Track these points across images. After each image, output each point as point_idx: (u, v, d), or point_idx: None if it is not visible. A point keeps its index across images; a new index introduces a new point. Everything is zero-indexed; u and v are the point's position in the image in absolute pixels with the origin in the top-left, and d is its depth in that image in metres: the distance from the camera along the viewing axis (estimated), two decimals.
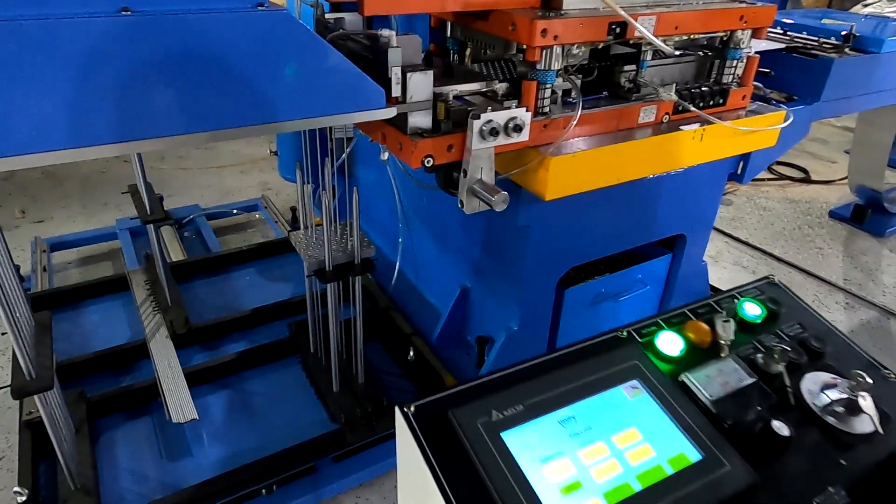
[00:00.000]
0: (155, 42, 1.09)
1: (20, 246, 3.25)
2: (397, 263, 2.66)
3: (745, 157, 2.24)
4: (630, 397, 0.93)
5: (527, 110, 1.52)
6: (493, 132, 1.47)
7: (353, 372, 2.03)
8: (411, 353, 2.20)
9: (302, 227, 1.92)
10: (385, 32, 1.39)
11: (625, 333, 1.11)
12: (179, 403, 1.89)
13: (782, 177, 4.58)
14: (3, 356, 2.52)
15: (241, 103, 1.18)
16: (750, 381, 0.99)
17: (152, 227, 2.29)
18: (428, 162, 1.50)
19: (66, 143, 1.07)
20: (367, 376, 2.02)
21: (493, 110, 1.47)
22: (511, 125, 1.50)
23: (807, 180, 4.61)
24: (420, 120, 1.50)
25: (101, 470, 1.76)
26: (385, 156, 2.26)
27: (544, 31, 1.51)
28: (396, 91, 1.42)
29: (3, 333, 2.67)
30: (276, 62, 1.17)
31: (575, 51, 1.64)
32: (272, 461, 1.78)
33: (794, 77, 2.39)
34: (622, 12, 1.50)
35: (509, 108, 1.51)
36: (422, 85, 1.44)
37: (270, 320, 2.40)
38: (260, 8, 1.15)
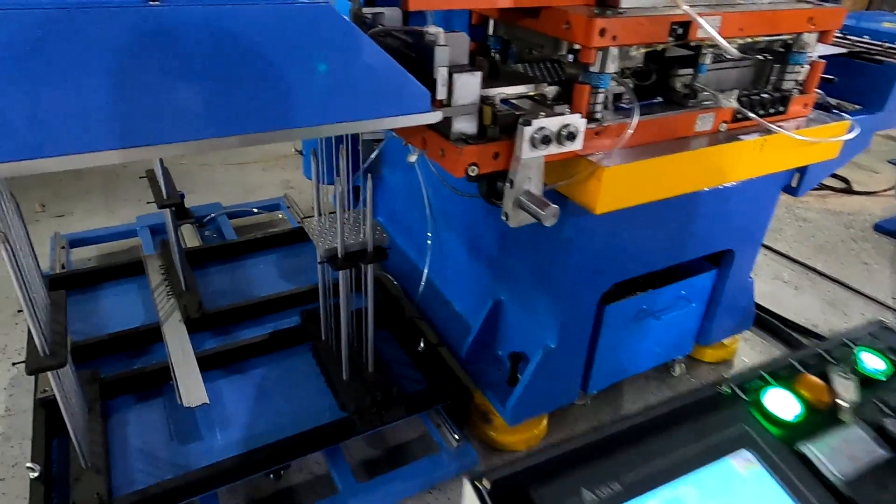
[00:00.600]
0: (184, 36, 0.98)
1: (39, 241, 3.18)
2: (425, 271, 2.55)
3: (802, 170, 2.10)
4: (743, 472, 0.79)
5: (581, 117, 1.39)
6: (546, 140, 1.35)
7: (363, 361, 2.02)
8: (422, 344, 2.17)
9: (316, 214, 1.90)
10: (432, 29, 1.28)
11: (727, 389, 0.96)
12: (191, 387, 1.89)
13: (823, 187, 4.39)
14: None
15: (277, 105, 1.07)
16: (883, 454, 0.84)
17: (168, 211, 2.29)
18: (472, 171, 1.38)
19: (82, 146, 0.97)
20: (377, 366, 2.00)
21: (545, 116, 1.35)
22: (564, 133, 1.37)
23: (848, 191, 4.41)
24: (465, 125, 1.38)
25: (113, 449, 1.78)
26: (413, 158, 2.15)
27: (603, 31, 1.38)
28: (442, 93, 1.30)
29: (19, 311, 2.71)
30: (317, 60, 1.07)
31: (633, 53, 1.51)
32: (281, 446, 1.78)
33: (855, 84, 2.23)
34: (691, 12, 1.37)
35: (561, 113, 1.39)
36: (469, 87, 1.33)
37: (283, 308, 2.40)
38: (301, 1, 1.04)
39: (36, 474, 1.58)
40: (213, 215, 3.34)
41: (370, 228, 1.75)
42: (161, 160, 2.25)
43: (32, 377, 1.91)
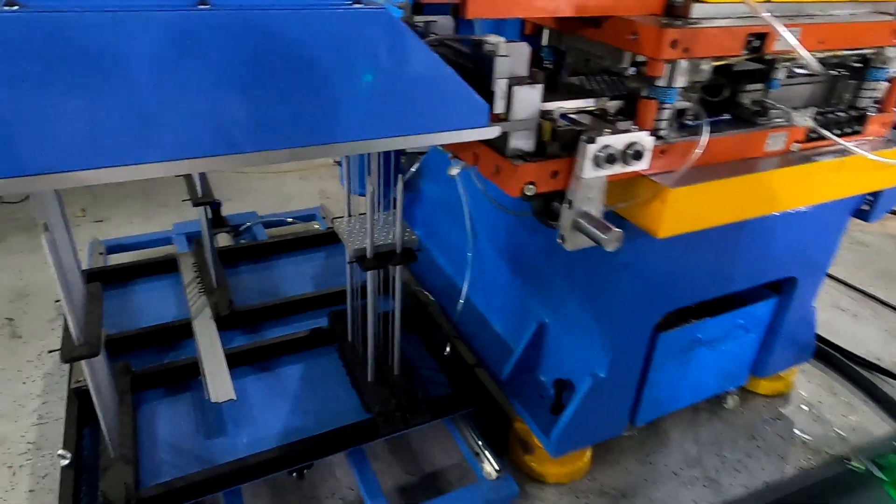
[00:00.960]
0: (234, 41, 0.92)
1: (79, 246, 3.18)
2: (464, 289, 2.46)
3: (876, 193, 1.95)
4: None
5: (649, 134, 1.29)
6: (610, 159, 1.25)
7: (388, 364, 2.00)
8: (447, 349, 2.15)
9: (346, 215, 1.90)
10: (492, 38, 1.19)
11: (861, 466, 0.84)
12: (218, 383, 1.90)
13: None
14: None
15: (329, 117, 1.00)
16: None
17: (202, 209, 2.31)
18: (529, 190, 1.29)
19: (124, 158, 0.92)
20: (403, 369, 1.99)
21: (609, 133, 1.25)
22: (630, 151, 1.27)
23: None
24: (522, 141, 1.29)
25: (141, 441, 1.81)
26: (454, 171, 2.07)
27: (674, 43, 1.28)
28: (500, 107, 1.22)
29: (57, 301, 2.76)
30: (374, 69, 0.99)
31: (703, 66, 1.41)
32: (304, 445, 1.78)
33: None
34: (776, 24, 1.26)
35: (626, 130, 1.29)
36: (529, 101, 1.24)
37: (311, 308, 2.42)
38: (357, 5, 0.97)
39: (67, 461, 1.61)
40: (248, 224, 3.31)
41: (400, 230, 1.73)
42: None
43: (67, 384, 1.93)
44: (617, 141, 1.25)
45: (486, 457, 1.96)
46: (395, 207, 1.72)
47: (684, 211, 1.44)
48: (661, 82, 1.37)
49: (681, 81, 1.37)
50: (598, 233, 1.29)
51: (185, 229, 3.12)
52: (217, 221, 3.14)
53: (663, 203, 1.40)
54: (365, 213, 1.73)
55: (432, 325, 2.34)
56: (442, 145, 1.62)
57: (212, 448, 1.81)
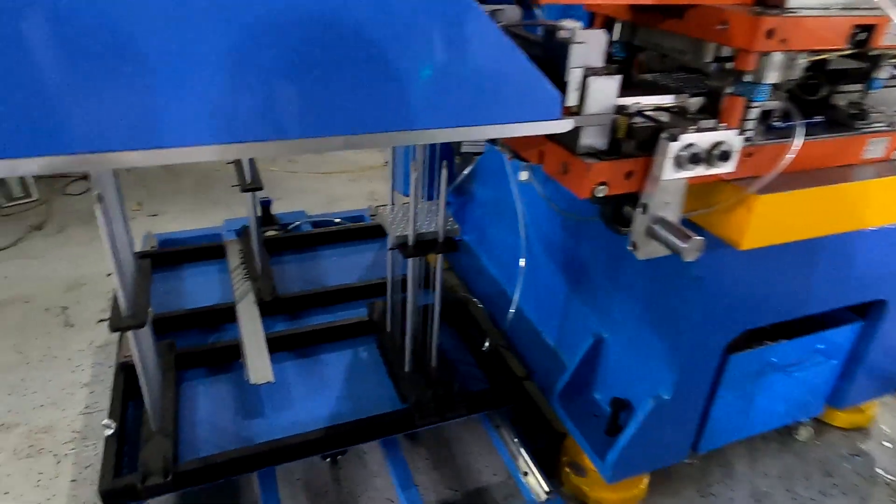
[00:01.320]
0: (291, 20, 0.85)
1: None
2: (515, 298, 2.34)
3: None
4: None
5: (738, 133, 1.16)
6: (694, 159, 1.13)
7: (426, 356, 1.99)
8: (486, 344, 2.12)
9: (389, 204, 1.90)
10: (567, 24, 1.09)
11: None
12: (258, 365, 1.93)
13: None
14: None
15: (391, 103, 0.92)
16: None
17: (250, 195, 2.34)
18: (600, 191, 1.18)
19: (181, 139, 0.86)
20: (440, 362, 1.97)
21: (694, 130, 1.13)
22: (716, 152, 1.15)
23: None
24: (595, 138, 1.18)
25: (181, 416, 1.85)
26: (525, 175, 1.96)
27: (771, 32, 1.15)
28: (573, 99, 1.12)
29: (108, 275, 2.80)
30: (444, 54, 0.91)
31: (800, 61, 1.27)
32: (339, 430, 1.79)
33: None
34: (892, 11, 1.12)
35: (711, 128, 1.16)
36: (605, 93, 1.13)
37: (352, 299, 2.44)
38: None
39: (111, 431, 1.66)
40: (297, 223, 3.29)
41: (442, 218, 1.71)
42: None
43: (114, 374, 1.95)
44: (702, 140, 1.13)
45: (535, 476, 1.84)
46: (439, 197, 1.70)
47: (771, 221, 1.30)
48: (750, 77, 1.23)
49: (773, 77, 1.24)
50: (676, 241, 1.17)
51: (235, 225, 3.12)
52: (266, 219, 3.13)
53: (749, 211, 1.26)
54: (408, 203, 1.71)
55: (472, 322, 2.31)
56: (504, 142, 1.53)
57: (249, 428, 1.84)
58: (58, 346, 2.55)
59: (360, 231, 2.94)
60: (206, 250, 2.68)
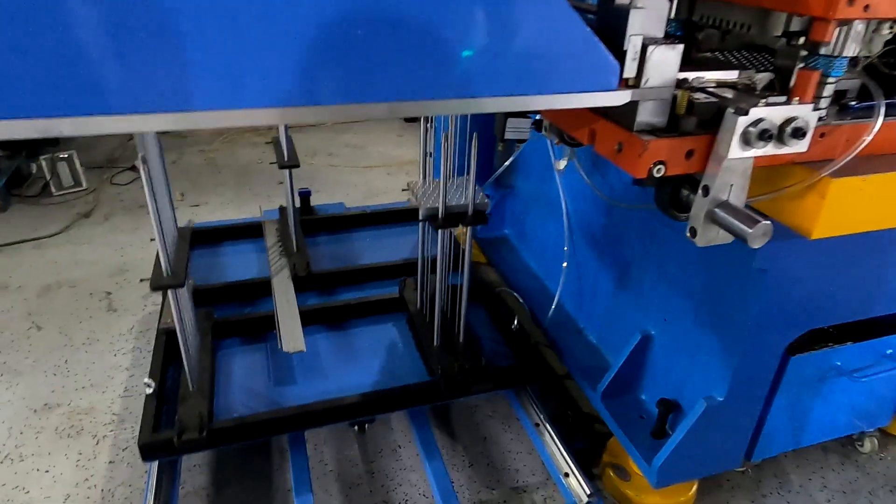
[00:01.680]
0: None
1: None
2: (557, 293, 2.26)
3: None
4: None
5: (813, 108, 1.06)
6: (764, 135, 1.03)
7: (455, 332, 2.03)
8: (515, 323, 2.13)
9: (421, 179, 1.94)
10: None
11: None
12: (291, 335, 1.98)
13: None
14: None
15: (434, 67, 0.86)
16: None
17: (288, 171, 2.41)
18: (658, 171, 1.09)
19: (214, 102, 0.82)
20: (467, 338, 2.01)
21: (764, 105, 1.04)
22: (789, 129, 1.05)
23: None
24: (652, 113, 1.10)
25: (217, 380, 1.91)
26: (562, 164, 1.89)
27: None
28: (631, 70, 1.04)
29: (151, 240, 3.07)
30: (495, 17, 0.84)
31: (884, 31, 1.16)
32: (367, 398, 1.83)
33: None
34: None
35: (781, 103, 1.07)
36: (666, 64, 1.05)
37: (384, 278, 2.49)
38: None
39: (151, 389, 1.73)
40: (335, 214, 3.27)
41: (473, 192, 1.74)
42: (287, 132, 2.41)
43: (155, 338, 2.03)
44: (774, 114, 1.03)
45: (576, 478, 1.76)
46: (468, 173, 1.72)
47: (846, 208, 1.19)
48: (827, 49, 1.13)
49: (852, 49, 1.13)
50: (741, 225, 1.07)
51: (274, 215, 3.13)
52: (305, 209, 3.13)
53: (822, 197, 1.16)
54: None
55: (500, 302, 2.35)
56: (551, 123, 1.45)
57: (280, 394, 1.89)
58: (101, 329, 2.59)
59: (395, 214, 3.00)
60: (244, 228, 2.78)
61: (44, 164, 3.75)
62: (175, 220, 1.68)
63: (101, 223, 3.48)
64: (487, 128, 2.27)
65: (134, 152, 4.38)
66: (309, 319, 2.12)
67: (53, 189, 3.78)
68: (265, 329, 2.13)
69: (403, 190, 4.12)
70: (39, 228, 3.38)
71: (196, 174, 4.17)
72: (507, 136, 2.07)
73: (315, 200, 3.32)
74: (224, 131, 4.87)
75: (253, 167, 4.29)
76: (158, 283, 1.52)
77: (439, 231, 1.81)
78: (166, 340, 1.97)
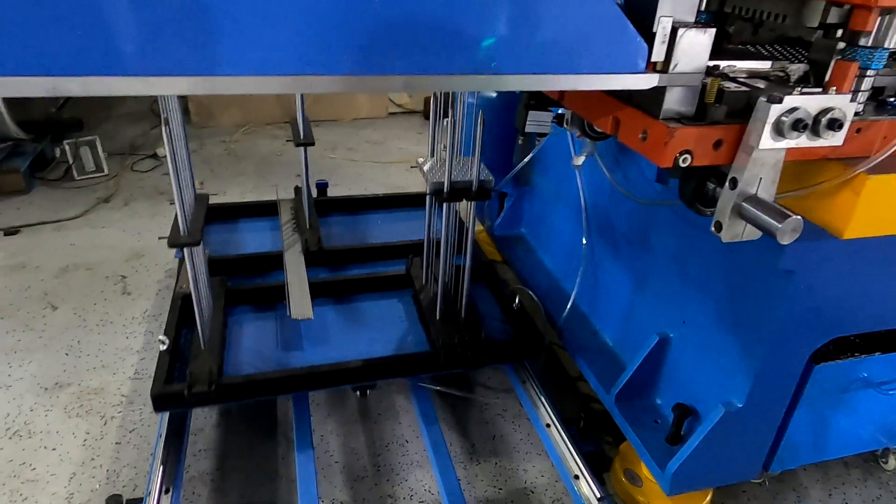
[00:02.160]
0: None
1: None
2: (573, 293, 2.21)
3: None
4: None
5: (851, 99, 1.01)
6: (798, 126, 0.99)
7: (457, 307, 2.09)
8: (517, 301, 2.16)
9: (429, 156, 2.01)
10: None
11: None
12: (300, 302, 2.05)
13: None
14: None
15: (455, 41, 0.83)
16: None
17: (303, 149, 2.50)
18: (684, 160, 1.05)
19: (228, 67, 0.80)
20: (469, 314, 2.07)
21: (798, 94, 0.99)
22: (824, 120, 1.00)
23: None
24: (680, 101, 1.06)
25: (228, 342, 1.99)
26: (580, 160, 1.85)
27: None
28: (659, 53, 1.00)
29: (171, 203, 3.23)
30: None
31: None
32: (369, 364, 1.88)
33: None
34: None
35: (817, 93, 1.02)
36: (696, 49, 1.01)
37: (393, 257, 2.55)
38: None
39: (165, 347, 1.81)
40: None
41: (478, 168, 1.78)
42: (303, 105, 2.47)
43: (171, 301, 2.09)
44: (809, 103, 0.99)
45: (586, 481, 1.71)
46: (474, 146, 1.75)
47: (882, 207, 1.14)
48: (867, 40, 1.08)
49: (894, 40, 1.08)
50: (770, 220, 1.03)
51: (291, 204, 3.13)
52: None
53: (856, 194, 1.11)
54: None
55: (503, 282, 2.40)
56: (574, 112, 1.41)
57: (287, 357, 1.96)
58: (114, 312, 2.60)
59: (406, 198, 3.06)
60: (260, 206, 2.85)
61: (67, 148, 3.79)
62: (193, 185, 1.76)
63: (120, 208, 3.51)
64: (507, 123, 2.23)
65: (156, 140, 4.44)
66: (318, 292, 2.19)
67: (76, 173, 3.82)
68: (276, 298, 2.20)
69: (412, 167, 4.14)
70: (60, 211, 3.42)
71: (216, 164, 4.18)
72: (529, 128, 2.03)
73: (333, 193, 3.32)
74: (245, 123, 4.89)
75: (273, 159, 4.30)
76: (176, 241, 1.60)
77: (444, 208, 1.86)
78: (181, 304, 2.04)
